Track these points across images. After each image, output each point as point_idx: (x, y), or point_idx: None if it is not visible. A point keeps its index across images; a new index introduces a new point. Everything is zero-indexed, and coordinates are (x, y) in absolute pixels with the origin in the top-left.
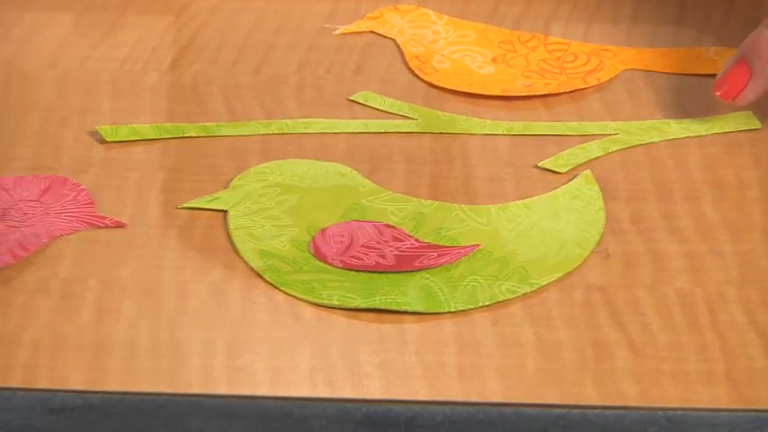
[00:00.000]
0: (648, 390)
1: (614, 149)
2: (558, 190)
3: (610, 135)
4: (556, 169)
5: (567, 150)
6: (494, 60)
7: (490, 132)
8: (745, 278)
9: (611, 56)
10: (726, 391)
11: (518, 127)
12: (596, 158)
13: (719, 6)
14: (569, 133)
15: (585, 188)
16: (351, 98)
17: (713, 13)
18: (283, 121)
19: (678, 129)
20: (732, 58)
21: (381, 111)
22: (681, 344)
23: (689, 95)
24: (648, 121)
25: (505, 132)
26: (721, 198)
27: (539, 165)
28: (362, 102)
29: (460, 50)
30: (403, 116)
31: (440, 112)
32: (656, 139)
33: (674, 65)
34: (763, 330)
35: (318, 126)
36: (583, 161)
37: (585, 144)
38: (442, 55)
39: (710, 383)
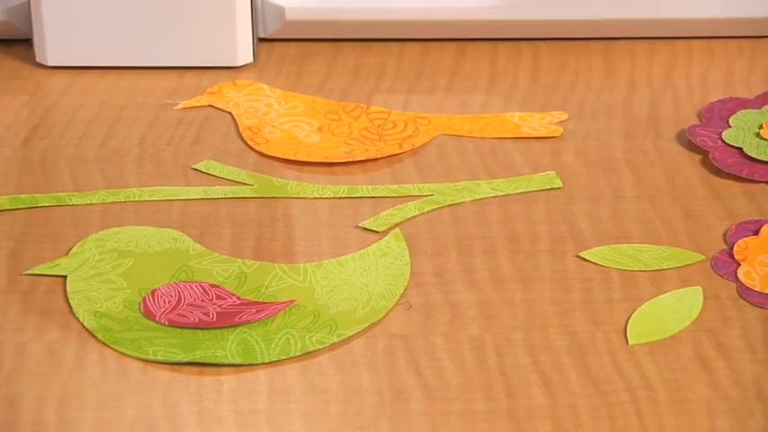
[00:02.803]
0: (438, 428)
1: (429, 209)
2: (369, 248)
3: (426, 196)
4: (375, 228)
5: (386, 211)
6: (320, 129)
7: (319, 196)
8: (530, 323)
9: (426, 123)
10: (507, 427)
11: (343, 190)
12: (410, 218)
13: (525, 77)
14: (389, 195)
15: (394, 245)
16: (194, 167)
17: (519, 83)
18: (129, 189)
19: (488, 189)
20: None
21: (219, 178)
22: (470, 385)
23: (493, 157)
24: (461, 182)
25: (332, 196)
26: (515, 251)
27: (359, 225)
28: (204, 170)
29: (290, 121)
30: (239, 182)
31: (274, 179)
32: (466, 199)
33: (482, 130)
34: (543, 371)
35: (162, 194)
36: (400, 220)
37: (403, 205)
38: (273, 126)
39: (493, 420)
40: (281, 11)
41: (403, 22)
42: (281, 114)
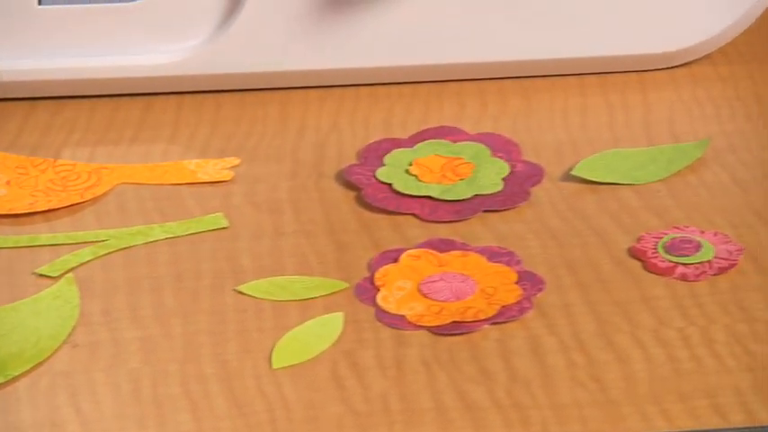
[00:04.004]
0: None
1: (103, 253)
2: (42, 292)
3: (101, 241)
4: (50, 274)
5: (62, 257)
6: (8, 183)
7: (0, 246)
8: (186, 355)
9: (109, 173)
10: None
11: (24, 239)
12: (85, 262)
13: (205, 127)
14: (67, 242)
15: (66, 289)
16: None
17: (199, 132)
18: None
19: (160, 232)
20: None
21: None
22: (124, 415)
23: (169, 202)
24: (136, 227)
25: (13, 245)
26: (179, 288)
27: (35, 271)
28: None
29: None
30: None
31: None
32: (139, 242)
33: (160, 177)
34: (193, 398)
35: None
36: (75, 265)
37: (79, 251)
38: None
39: None
40: None
41: (94, 80)
42: None
